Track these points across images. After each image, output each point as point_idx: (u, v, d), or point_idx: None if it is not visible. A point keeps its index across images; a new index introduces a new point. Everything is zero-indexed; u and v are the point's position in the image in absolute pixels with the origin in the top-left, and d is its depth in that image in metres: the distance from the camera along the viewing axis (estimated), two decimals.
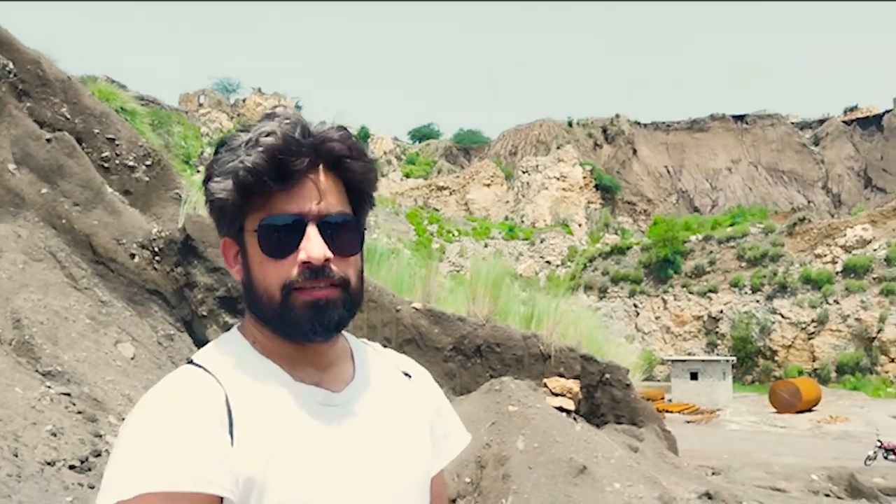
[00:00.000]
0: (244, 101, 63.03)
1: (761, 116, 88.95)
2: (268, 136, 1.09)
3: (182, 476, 1.01)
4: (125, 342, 8.39)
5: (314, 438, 1.13)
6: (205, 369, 1.14)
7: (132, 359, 8.25)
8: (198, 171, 31.04)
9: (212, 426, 1.07)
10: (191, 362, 1.16)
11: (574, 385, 10.13)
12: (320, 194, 1.13)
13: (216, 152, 1.16)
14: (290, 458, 1.09)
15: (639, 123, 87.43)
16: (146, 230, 9.26)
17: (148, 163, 10.11)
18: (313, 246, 1.10)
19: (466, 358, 9.94)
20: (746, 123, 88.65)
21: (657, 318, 53.22)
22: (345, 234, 1.15)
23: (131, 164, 9.99)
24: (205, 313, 9.33)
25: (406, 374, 1.33)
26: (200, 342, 9.29)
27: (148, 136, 11.85)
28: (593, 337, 12.45)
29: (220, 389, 1.11)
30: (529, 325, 11.00)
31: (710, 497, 8.77)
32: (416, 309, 9.70)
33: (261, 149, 1.09)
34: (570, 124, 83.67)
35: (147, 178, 10.05)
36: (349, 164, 1.16)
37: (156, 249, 9.23)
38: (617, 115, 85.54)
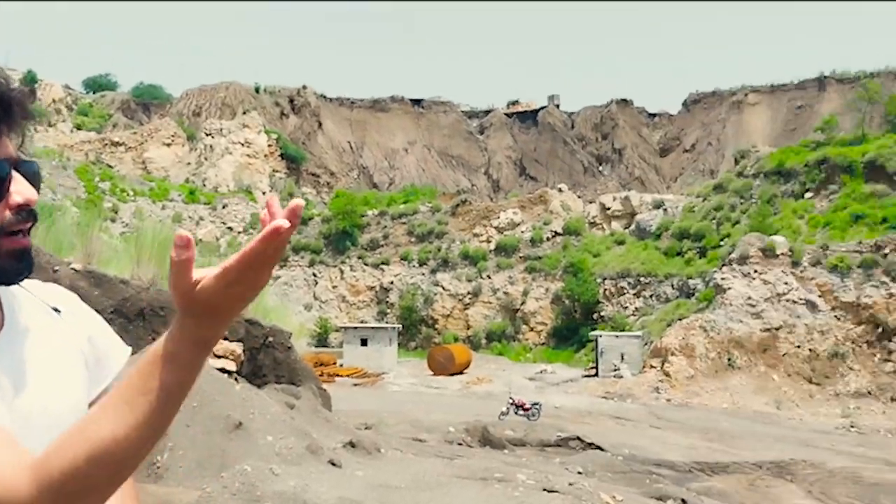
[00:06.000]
0: None
1: (436, 102, 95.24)
2: None
3: None
4: None
5: None
6: None
7: None
8: None
9: None
10: None
11: (237, 347, 10.69)
12: (13, 139, 1.16)
13: None
14: None
15: (325, 97, 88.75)
16: None
17: None
18: (29, 188, 1.15)
19: (128, 321, 9.98)
20: (422, 108, 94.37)
21: (334, 287, 55.06)
22: (34, 179, 1.19)
23: None
24: None
25: (56, 310, 1.33)
26: None
27: None
28: (262, 302, 13.05)
29: None
30: None
31: (353, 445, 9.94)
32: (76, 270, 9.54)
33: None
34: (256, 90, 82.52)
35: None
36: (23, 114, 1.18)
37: None
38: (304, 87, 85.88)
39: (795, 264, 34.94)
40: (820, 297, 33.92)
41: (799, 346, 33.14)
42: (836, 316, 33.37)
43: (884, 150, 41.52)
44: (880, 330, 32.36)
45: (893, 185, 39.53)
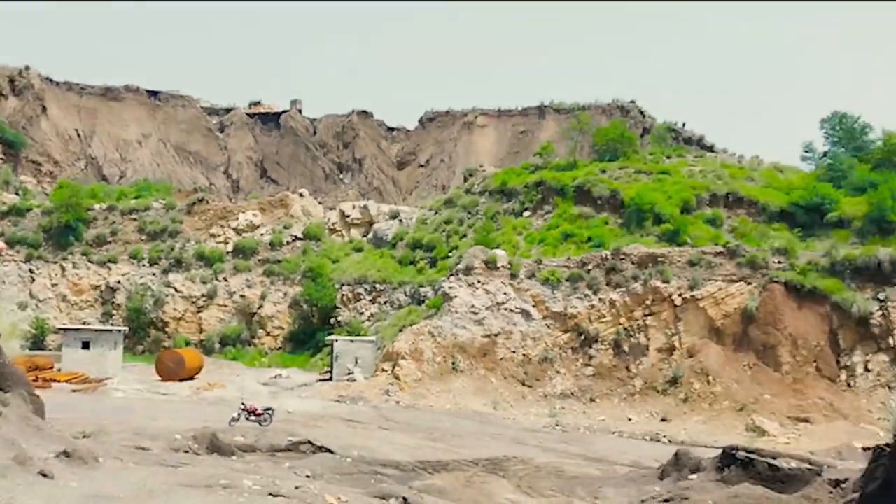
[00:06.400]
0: None
1: (174, 96, 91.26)
2: None
3: None
4: None
5: None
6: None
7: None
8: None
9: None
10: None
11: None
12: None
13: None
14: None
15: (50, 80, 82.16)
16: None
17: None
18: None
19: None
20: (159, 100, 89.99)
21: (54, 285, 50.97)
22: None
23: None
24: None
25: None
26: None
27: None
28: None
29: None
30: None
31: (67, 455, 9.63)
32: None
33: None
34: None
35: None
36: None
37: None
38: (27, 67, 78.97)
39: (513, 276, 38.21)
40: (534, 306, 37.37)
41: (514, 352, 36.26)
42: (546, 324, 36.94)
43: (591, 177, 46.71)
44: (583, 337, 36.34)
45: (598, 208, 44.54)
